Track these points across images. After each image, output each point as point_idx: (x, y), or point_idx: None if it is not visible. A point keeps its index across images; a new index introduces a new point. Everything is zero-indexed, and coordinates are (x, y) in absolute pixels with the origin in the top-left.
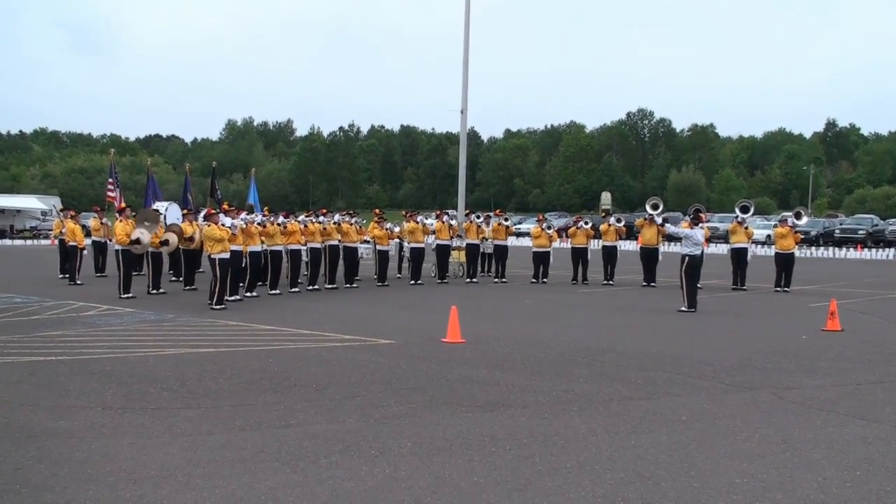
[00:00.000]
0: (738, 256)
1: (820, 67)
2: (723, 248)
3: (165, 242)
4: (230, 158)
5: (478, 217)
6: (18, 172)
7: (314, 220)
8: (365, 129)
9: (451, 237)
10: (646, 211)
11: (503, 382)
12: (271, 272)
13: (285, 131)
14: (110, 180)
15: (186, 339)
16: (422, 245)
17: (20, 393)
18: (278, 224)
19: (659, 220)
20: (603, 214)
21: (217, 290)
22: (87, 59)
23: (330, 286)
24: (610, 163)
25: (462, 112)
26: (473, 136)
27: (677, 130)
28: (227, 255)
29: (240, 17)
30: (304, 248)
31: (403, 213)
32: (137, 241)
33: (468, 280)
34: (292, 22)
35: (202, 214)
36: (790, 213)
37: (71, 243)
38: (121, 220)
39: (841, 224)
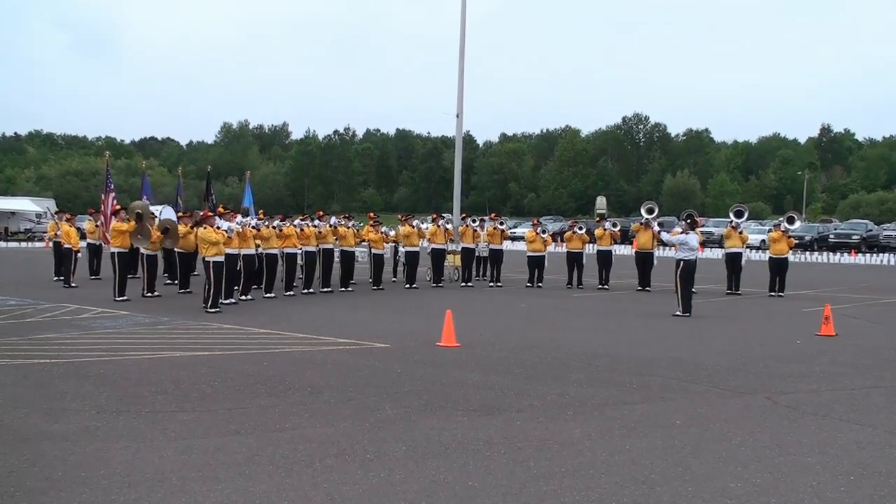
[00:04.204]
0: (733, 261)
1: (815, 73)
2: (717, 253)
3: (166, 231)
4: (225, 161)
5: (473, 221)
6: (13, 174)
7: (310, 224)
8: (360, 133)
9: (447, 241)
10: (641, 215)
11: (498, 386)
12: (266, 275)
13: (281, 134)
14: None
15: (181, 342)
16: (416, 249)
17: (14, 396)
18: (274, 227)
19: (655, 226)
20: (598, 219)
21: (212, 293)
22: (83, 61)
23: (325, 289)
24: (605, 167)
25: (457, 116)
26: (469, 140)
27: (672, 135)
28: (221, 258)
29: (235, 21)
30: (300, 251)
31: (399, 216)
32: (140, 217)
33: (463, 284)
34: (288, 25)
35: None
36: (783, 218)
37: (66, 246)
38: (117, 222)
39: (835, 229)
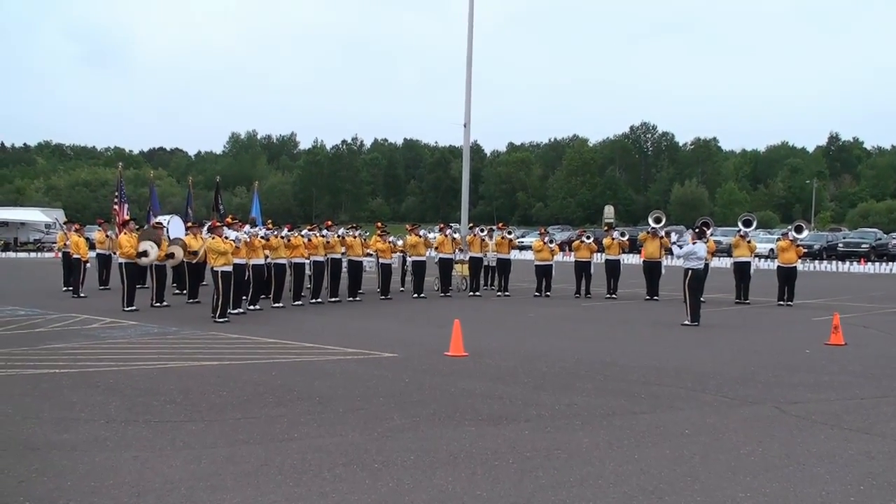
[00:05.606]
0: (741, 270)
1: (823, 81)
2: (726, 262)
3: (171, 255)
4: (233, 171)
5: (481, 230)
6: (22, 185)
7: (318, 234)
8: (368, 143)
9: (454, 250)
10: (649, 225)
11: (506, 396)
12: (275, 285)
13: (289, 144)
14: (116, 194)
15: (190, 351)
16: (423, 258)
17: (24, 406)
18: (282, 237)
19: (662, 233)
20: (606, 228)
21: (220, 303)
22: (92, 72)
23: (333, 299)
24: (613, 176)
25: (465, 126)
26: (476, 149)
27: (680, 144)
28: (229, 268)
29: (243, 31)
30: (308, 261)
31: (407, 226)
32: (145, 254)
33: (471, 293)
34: (296, 35)
35: (206, 227)
36: (791, 227)
37: (75, 256)
38: (125, 233)
39: (844, 238)
